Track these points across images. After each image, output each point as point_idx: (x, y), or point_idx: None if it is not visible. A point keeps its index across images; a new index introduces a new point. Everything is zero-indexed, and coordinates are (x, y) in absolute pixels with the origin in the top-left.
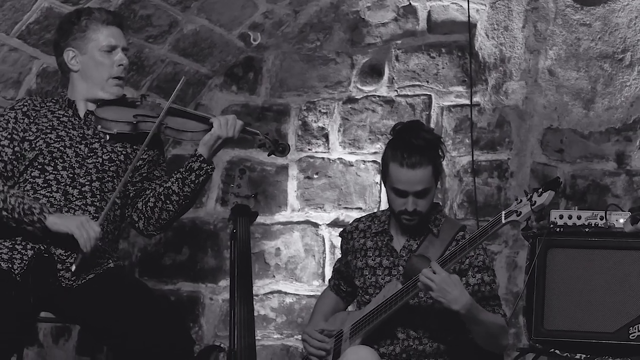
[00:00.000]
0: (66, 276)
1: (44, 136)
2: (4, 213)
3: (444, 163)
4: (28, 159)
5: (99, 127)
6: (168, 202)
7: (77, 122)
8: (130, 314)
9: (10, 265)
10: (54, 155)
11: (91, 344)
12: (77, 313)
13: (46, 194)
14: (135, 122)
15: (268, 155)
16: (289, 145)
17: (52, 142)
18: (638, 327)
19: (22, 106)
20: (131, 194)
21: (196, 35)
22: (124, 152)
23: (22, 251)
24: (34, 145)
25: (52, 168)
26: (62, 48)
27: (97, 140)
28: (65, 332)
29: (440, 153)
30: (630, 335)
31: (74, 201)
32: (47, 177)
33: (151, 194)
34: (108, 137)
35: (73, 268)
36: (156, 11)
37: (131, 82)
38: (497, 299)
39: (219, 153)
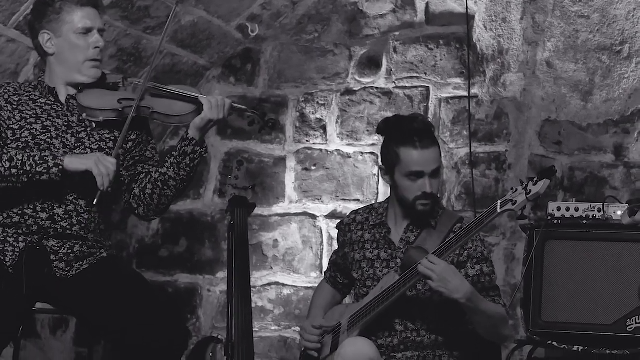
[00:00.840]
0: (60, 267)
1: (29, 127)
2: (13, 171)
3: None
4: (12, 148)
5: (84, 115)
6: (166, 187)
7: (60, 109)
8: (124, 306)
9: (2, 257)
10: (41, 147)
11: (89, 335)
12: (73, 305)
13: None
14: (121, 109)
15: (259, 132)
16: (278, 120)
17: (38, 133)
18: (635, 319)
19: (3, 93)
20: (126, 180)
21: (194, 26)
22: (112, 139)
23: (13, 243)
24: (18, 136)
25: None
26: (37, 30)
27: (83, 128)
28: (63, 323)
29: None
30: (628, 327)
31: (65, 195)
32: None
33: (147, 179)
34: (94, 124)
35: (94, 202)
36: (154, 2)
37: (129, 74)
38: (497, 289)
39: (217, 144)
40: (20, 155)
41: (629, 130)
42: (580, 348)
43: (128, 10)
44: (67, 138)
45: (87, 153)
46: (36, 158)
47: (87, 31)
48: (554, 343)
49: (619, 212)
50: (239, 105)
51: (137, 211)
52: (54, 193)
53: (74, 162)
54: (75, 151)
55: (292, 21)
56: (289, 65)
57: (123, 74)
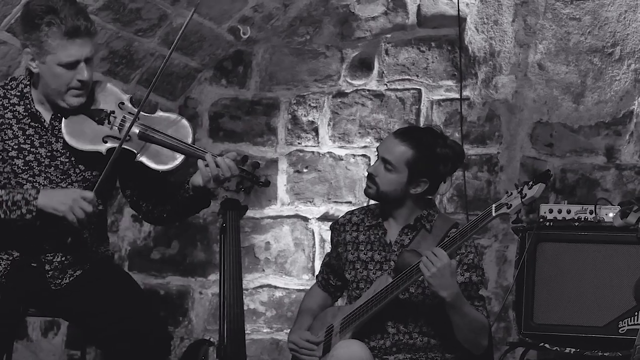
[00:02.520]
0: (55, 275)
1: (10, 161)
2: None
3: None
4: None
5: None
6: (176, 216)
7: (43, 134)
8: (112, 310)
9: None
10: (24, 187)
11: (80, 338)
12: (65, 310)
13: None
14: (104, 153)
15: (247, 193)
16: (269, 180)
17: (20, 171)
18: (627, 321)
19: None
20: (134, 197)
21: (186, 28)
22: (94, 174)
23: (7, 251)
24: (1, 170)
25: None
26: (22, 44)
27: (67, 158)
28: (54, 326)
29: (431, 166)
30: (620, 329)
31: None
32: None
33: (152, 202)
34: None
35: (68, 241)
36: (146, 4)
37: (120, 76)
38: (482, 299)
39: (209, 147)
40: None
41: (621, 132)
42: (573, 350)
43: (119, 12)
44: (50, 172)
45: (73, 187)
46: (9, 204)
47: (73, 65)
48: (546, 345)
49: (611, 214)
50: (246, 170)
51: (144, 220)
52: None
53: (47, 206)
54: (62, 184)
55: (283, 23)
56: (281, 68)
57: (113, 102)
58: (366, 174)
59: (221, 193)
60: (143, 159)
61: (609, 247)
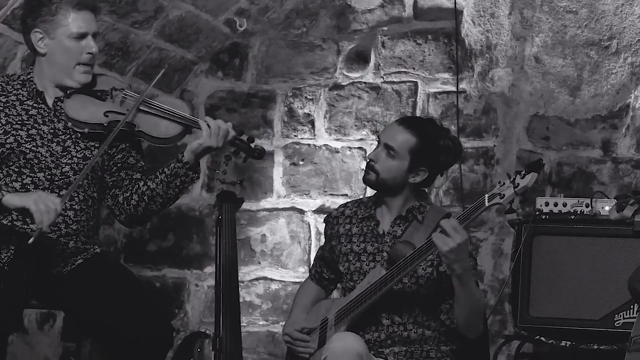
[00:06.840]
0: (56, 263)
1: (14, 132)
2: None
3: None
4: None
5: (70, 124)
6: (152, 202)
7: (46, 114)
8: (115, 302)
9: None
10: (27, 156)
11: (76, 330)
12: (65, 301)
13: None
14: (106, 124)
15: (243, 162)
16: (264, 149)
17: (24, 141)
18: (623, 314)
19: None
20: (109, 184)
21: (182, 21)
22: (97, 147)
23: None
24: (3, 141)
25: (28, 170)
26: (29, 27)
27: (69, 136)
28: (50, 318)
29: (432, 156)
30: (616, 323)
31: None
32: (24, 182)
33: (133, 189)
34: (79, 134)
35: (30, 241)
36: None
37: (116, 68)
38: (477, 286)
39: None
40: None
41: (617, 126)
42: (568, 343)
43: (116, 4)
44: (52, 147)
45: (74, 162)
46: None
47: (82, 36)
48: (542, 338)
49: (607, 208)
50: (241, 139)
51: (119, 218)
52: None
53: (12, 199)
54: (62, 160)
55: (280, 16)
56: (277, 60)
57: (112, 85)
58: (363, 165)
59: (217, 185)
60: (143, 129)
61: (605, 240)
